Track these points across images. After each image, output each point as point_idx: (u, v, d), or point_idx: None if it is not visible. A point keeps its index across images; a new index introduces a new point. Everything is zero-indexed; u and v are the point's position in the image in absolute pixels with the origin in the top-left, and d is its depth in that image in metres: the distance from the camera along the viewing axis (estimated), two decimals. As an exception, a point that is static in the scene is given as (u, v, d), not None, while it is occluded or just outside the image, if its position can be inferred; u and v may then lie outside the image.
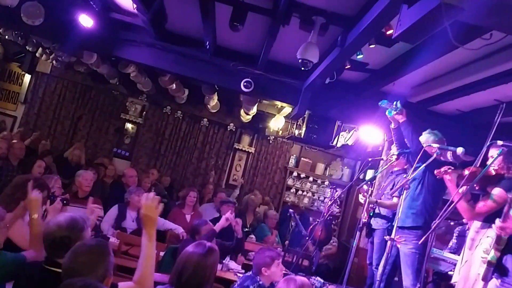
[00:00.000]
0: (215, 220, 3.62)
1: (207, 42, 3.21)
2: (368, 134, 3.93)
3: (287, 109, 4.61)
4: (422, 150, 2.38)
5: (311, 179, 5.79)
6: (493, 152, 1.93)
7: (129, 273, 2.49)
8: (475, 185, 1.97)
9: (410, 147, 2.55)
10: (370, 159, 3.12)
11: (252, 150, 5.78)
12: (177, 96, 5.16)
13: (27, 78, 5.71)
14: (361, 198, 2.91)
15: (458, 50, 1.87)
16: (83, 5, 3.02)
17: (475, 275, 2.06)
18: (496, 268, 1.77)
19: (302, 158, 5.81)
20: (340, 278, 2.66)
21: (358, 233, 2.64)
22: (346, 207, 5.58)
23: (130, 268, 2.48)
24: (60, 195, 2.45)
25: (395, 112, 2.56)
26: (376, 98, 3.48)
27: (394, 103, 2.58)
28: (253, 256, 2.49)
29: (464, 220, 2.79)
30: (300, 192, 5.77)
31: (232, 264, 3.01)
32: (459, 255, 2.41)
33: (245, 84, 3.56)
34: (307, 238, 3.42)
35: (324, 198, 5.61)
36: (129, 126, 5.75)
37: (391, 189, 2.88)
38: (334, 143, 4.42)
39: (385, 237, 2.49)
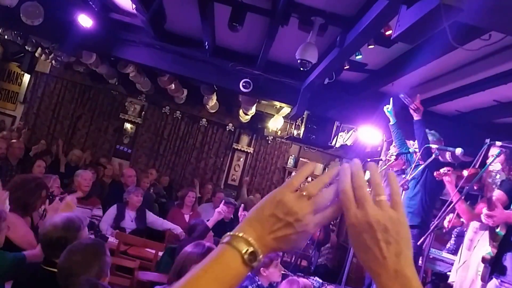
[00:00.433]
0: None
1: (206, 42, 3.21)
2: (367, 134, 3.93)
3: (286, 109, 4.61)
4: (422, 149, 2.38)
5: (309, 179, 5.77)
6: (493, 152, 1.93)
7: (128, 273, 2.49)
8: (474, 186, 1.98)
9: (420, 147, 2.54)
10: (369, 160, 3.12)
11: (251, 150, 5.78)
12: (176, 96, 5.16)
13: (26, 78, 5.71)
14: None
15: (457, 50, 1.87)
16: (82, 5, 3.01)
17: (473, 275, 2.07)
18: (495, 268, 1.77)
19: (300, 159, 5.81)
20: (339, 278, 2.66)
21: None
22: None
23: (129, 268, 2.48)
24: (59, 194, 2.45)
25: (412, 108, 2.54)
26: (375, 99, 3.50)
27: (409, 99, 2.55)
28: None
29: (462, 220, 2.80)
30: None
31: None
32: (457, 255, 2.42)
33: (244, 84, 3.56)
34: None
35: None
36: (128, 126, 5.75)
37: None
38: (333, 143, 4.43)
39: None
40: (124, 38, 3.56)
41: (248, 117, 5.22)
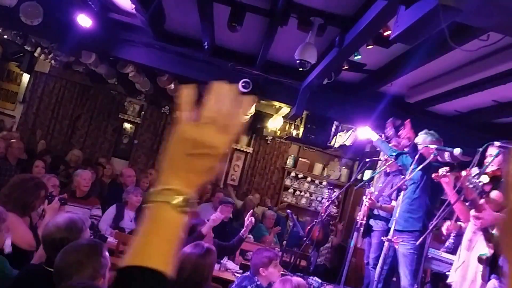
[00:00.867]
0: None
1: (206, 42, 3.21)
2: (366, 134, 3.93)
3: (285, 109, 4.61)
4: (419, 153, 2.39)
5: (309, 179, 5.79)
6: (492, 152, 1.94)
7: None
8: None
9: (389, 155, 2.51)
10: (368, 160, 3.12)
11: (250, 150, 5.78)
12: (176, 96, 5.15)
13: (25, 77, 5.70)
14: (366, 202, 2.90)
15: (456, 51, 1.88)
16: (81, 5, 3.01)
17: (472, 275, 2.07)
18: (493, 268, 1.77)
19: (300, 158, 5.81)
20: (338, 278, 2.67)
21: (355, 233, 2.65)
22: (344, 207, 5.59)
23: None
24: (57, 194, 2.45)
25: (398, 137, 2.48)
26: (374, 99, 3.51)
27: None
28: (251, 256, 2.49)
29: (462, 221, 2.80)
30: (298, 192, 5.77)
31: (230, 264, 3.01)
32: (455, 254, 2.42)
33: (243, 84, 3.56)
34: (304, 238, 3.42)
35: (322, 198, 5.61)
36: (127, 126, 5.75)
37: (389, 190, 2.88)
38: (332, 143, 4.43)
39: (382, 238, 2.50)
40: (124, 38, 3.56)
41: (247, 117, 5.21)
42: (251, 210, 3.00)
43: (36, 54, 4.97)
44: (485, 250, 1.78)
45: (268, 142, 5.77)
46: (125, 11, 3.18)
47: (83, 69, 5.21)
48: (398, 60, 2.72)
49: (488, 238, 1.76)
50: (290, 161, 5.80)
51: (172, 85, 4.63)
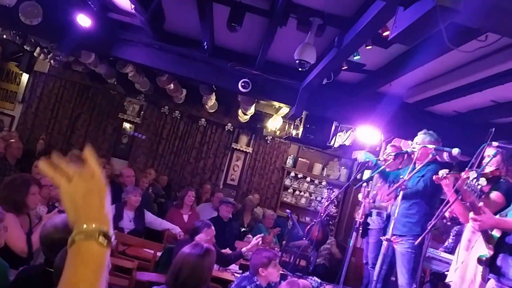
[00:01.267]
0: (213, 220, 3.63)
1: (205, 43, 3.22)
2: (365, 134, 3.94)
3: (285, 109, 4.62)
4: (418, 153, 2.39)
5: (308, 179, 5.80)
6: (490, 153, 1.94)
7: (126, 273, 2.50)
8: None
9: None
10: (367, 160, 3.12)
11: (249, 150, 5.78)
12: (175, 96, 5.16)
13: (25, 77, 5.70)
14: (360, 196, 2.93)
15: (455, 51, 1.88)
16: (81, 5, 3.01)
17: (471, 275, 2.08)
18: (492, 268, 1.78)
19: (299, 158, 5.82)
20: (337, 278, 2.67)
21: (354, 233, 2.65)
22: (343, 207, 5.60)
23: (127, 268, 2.48)
24: (56, 199, 2.45)
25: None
26: (373, 99, 3.52)
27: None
28: (250, 256, 2.49)
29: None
30: (297, 192, 5.78)
31: (230, 264, 3.01)
32: (454, 254, 2.43)
33: (242, 84, 3.57)
34: (304, 238, 3.43)
35: (322, 198, 5.62)
36: (127, 125, 5.75)
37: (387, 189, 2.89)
38: (332, 143, 4.44)
39: (381, 237, 2.50)
40: (123, 38, 3.56)
41: (247, 117, 5.22)
42: (261, 234, 2.92)
43: (35, 54, 4.97)
44: (485, 251, 1.78)
45: (268, 142, 5.77)
46: (125, 11, 3.18)
47: (83, 69, 5.21)
48: (397, 61, 2.73)
49: (488, 239, 1.76)
50: (289, 161, 5.81)
51: (172, 85, 4.63)
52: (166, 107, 5.63)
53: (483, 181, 1.57)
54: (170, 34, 3.54)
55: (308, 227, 3.56)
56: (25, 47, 4.82)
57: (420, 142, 2.51)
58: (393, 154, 2.78)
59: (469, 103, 3.21)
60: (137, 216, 3.44)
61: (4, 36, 4.59)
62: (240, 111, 5.10)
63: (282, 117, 5.15)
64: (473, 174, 1.55)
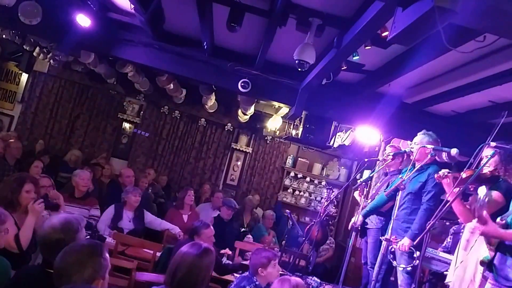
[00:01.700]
0: (213, 219, 3.64)
1: (205, 43, 3.22)
2: (365, 134, 3.95)
3: (284, 109, 4.62)
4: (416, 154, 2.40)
5: (308, 179, 5.81)
6: (487, 153, 1.95)
7: (126, 273, 2.50)
8: (469, 186, 1.99)
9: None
10: (366, 160, 3.14)
11: (249, 150, 5.79)
12: (175, 96, 5.16)
13: (24, 77, 5.69)
14: (357, 195, 2.93)
15: (453, 52, 1.89)
16: (80, 5, 3.01)
17: (470, 275, 2.08)
18: (489, 267, 1.79)
19: (299, 158, 5.82)
20: (337, 278, 2.68)
21: (353, 233, 2.66)
22: (343, 207, 5.60)
23: (127, 268, 2.48)
24: (52, 195, 2.46)
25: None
26: (372, 99, 3.52)
27: None
28: (249, 256, 2.50)
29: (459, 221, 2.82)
30: (297, 192, 5.79)
31: (229, 264, 3.02)
32: (453, 254, 2.43)
33: (242, 84, 3.57)
34: (303, 238, 3.43)
35: (321, 198, 5.63)
36: (126, 125, 5.75)
37: (385, 189, 2.90)
38: (331, 143, 4.44)
39: (380, 237, 2.51)
40: (123, 37, 3.56)
41: (247, 117, 5.23)
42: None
43: (35, 54, 4.97)
44: (486, 252, 1.79)
45: (268, 142, 5.78)
46: (124, 10, 3.18)
47: (82, 69, 5.21)
48: (396, 61, 2.73)
49: (489, 241, 1.77)
50: (289, 161, 5.81)
51: (172, 85, 4.63)
52: (166, 107, 5.63)
53: (483, 190, 1.59)
54: (170, 34, 3.54)
55: (308, 227, 3.56)
56: (24, 47, 4.82)
57: (419, 142, 2.52)
58: (392, 154, 2.78)
59: (468, 103, 3.22)
60: (136, 216, 3.44)
61: (4, 36, 4.59)
62: (239, 111, 5.10)
63: (281, 117, 5.16)
64: (482, 191, 1.58)
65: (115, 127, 5.69)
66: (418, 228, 2.40)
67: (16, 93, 5.72)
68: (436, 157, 2.41)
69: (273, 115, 5.28)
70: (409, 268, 2.39)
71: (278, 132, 5.57)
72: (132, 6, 2.71)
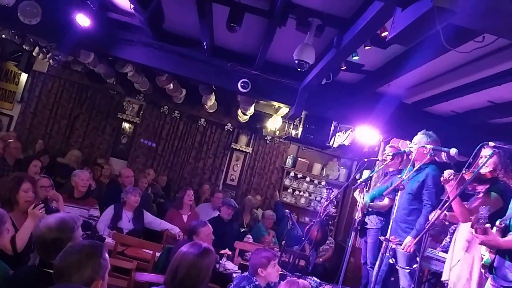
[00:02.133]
0: (212, 220, 3.63)
1: (205, 42, 3.22)
2: (364, 134, 3.95)
3: (284, 109, 4.63)
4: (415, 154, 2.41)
5: (308, 179, 5.81)
6: (486, 153, 1.95)
7: (125, 273, 2.50)
8: (468, 186, 2.00)
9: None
10: (366, 160, 3.13)
11: (249, 150, 5.79)
12: (175, 96, 5.16)
13: (23, 77, 5.69)
14: (356, 194, 2.93)
15: (452, 52, 1.89)
16: (80, 5, 3.01)
17: (467, 274, 2.09)
18: (489, 270, 1.79)
19: (299, 158, 5.83)
20: (336, 278, 2.68)
21: (353, 233, 2.66)
22: (343, 207, 5.61)
23: (126, 269, 2.48)
24: (51, 196, 2.45)
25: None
26: (372, 99, 3.53)
27: None
28: (249, 256, 2.50)
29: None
30: (297, 192, 5.79)
31: (229, 264, 3.02)
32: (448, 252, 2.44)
33: (242, 84, 3.57)
34: (303, 238, 3.43)
35: (321, 198, 5.63)
36: (126, 125, 5.74)
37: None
38: (331, 143, 4.45)
39: (380, 237, 2.51)
40: (122, 37, 3.56)
41: (247, 117, 5.23)
42: None
43: (34, 54, 4.97)
44: (487, 254, 1.79)
45: (268, 142, 5.78)
46: (124, 10, 3.18)
47: (82, 69, 5.21)
48: (395, 61, 2.74)
49: None
50: (289, 161, 5.81)
51: (171, 85, 4.63)
52: (166, 107, 5.62)
53: (486, 211, 1.61)
54: (169, 34, 3.54)
55: (307, 227, 3.56)
56: (24, 46, 4.82)
57: (418, 142, 2.53)
58: (391, 154, 2.79)
59: (467, 104, 3.22)
60: (136, 216, 3.44)
61: (3, 36, 4.58)
62: (239, 111, 5.10)
63: (281, 117, 5.16)
64: (484, 211, 1.60)
65: (114, 127, 5.68)
66: (424, 228, 2.40)
67: (15, 93, 5.72)
68: (436, 157, 2.41)
69: (273, 115, 5.28)
70: (408, 270, 2.39)
71: (278, 132, 5.57)
72: (132, 6, 2.71)
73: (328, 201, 3.30)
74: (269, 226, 4.51)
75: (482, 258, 1.83)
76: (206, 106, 5.19)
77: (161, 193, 4.79)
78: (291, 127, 4.84)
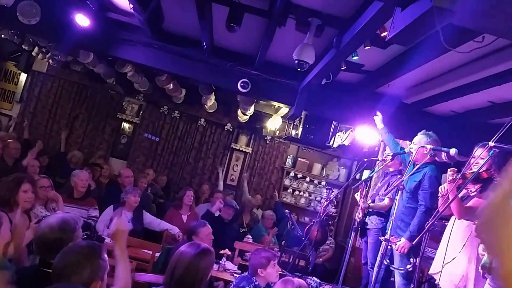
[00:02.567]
0: (214, 219, 3.63)
1: (204, 42, 3.22)
2: (364, 134, 3.95)
3: (284, 109, 4.62)
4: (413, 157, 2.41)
5: (308, 179, 5.80)
6: (479, 153, 1.95)
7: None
8: (467, 187, 2.00)
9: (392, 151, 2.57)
10: (366, 160, 3.14)
11: (249, 150, 5.78)
12: (174, 96, 5.15)
13: (23, 77, 5.68)
14: (356, 195, 2.94)
15: (452, 52, 1.89)
16: (79, 5, 3.01)
17: (463, 271, 2.08)
18: (488, 269, 1.79)
19: (299, 159, 5.82)
20: (336, 278, 2.68)
21: (353, 233, 2.66)
22: (343, 207, 5.61)
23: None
24: (50, 196, 2.44)
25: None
26: (372, 99, 3.53)
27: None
28: (249, 256, 2.50)
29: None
30: (297, 192, 5.79)
31: (229, 265, 3.02)
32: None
33: (242, 84, 3.57)
34: (303, 238, 3.43)
35: (321, 198, 5.63)
36: (125, 125, 5.74)
37: (385, 190, 2.90)
38: (331, 143, 4.44)
39: (380, 237, 2.51)
40: (122, 37, 3.56)
41: (247, 117, 5.22)
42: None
43: (33, 54, 4.96)
44: (485, 256, 1.79)
45: (267, 142, 5.77)
46: (123, 10, 3.18)
47: (81, 69, 5.20)
48: (395, 61, 2.73)
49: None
50: (289, 161, 5.81)
51: (171, 85, 4.63)
52: (165, 107, 5.62)
53: None
54: (169, 34, 3.54)
55: (307, 227, 3.56)
56: (23, 46, 4.81)
57: (418, 142, 2.53)
58: (391, 154, 2.79)
59: (467, 104, 3.22)
60: (135, 216, 3.43)
61: (2, 36, 4.58)
62: (239, 111, 5.10)
63: (281, 117, 5.16)
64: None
65: (114, 127, 5.68)
66: (417, 229, 2.40)
67: (14, 93, 5.71)
68: (436, 157, 2.41)
69: (272, 115, 5.28)
70: (402, 271, 2.39)
71: (278, 132, 5.56)
72: (131, 5, 2.71)
73: (328, 201, 3.30)
74: (269, 226, 4.50)
75: (479, 256, 1.83)
76: (205, 106, 5.19)
77: (160, 193, 4.78)
78: (291, 127, 4.83)
